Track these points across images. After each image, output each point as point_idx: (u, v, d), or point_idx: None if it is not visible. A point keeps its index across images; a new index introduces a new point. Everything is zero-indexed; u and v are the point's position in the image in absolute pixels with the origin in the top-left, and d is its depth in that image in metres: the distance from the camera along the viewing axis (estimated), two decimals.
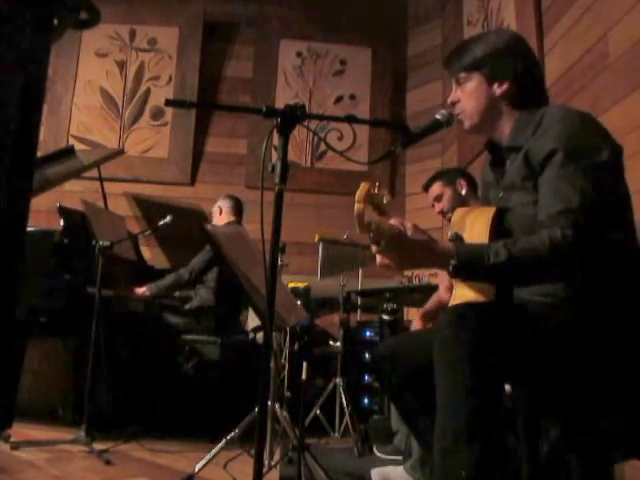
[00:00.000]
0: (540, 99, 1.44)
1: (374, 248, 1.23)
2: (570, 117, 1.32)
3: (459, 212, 1.54)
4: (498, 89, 1.43)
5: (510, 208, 1.39)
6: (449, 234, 1.47)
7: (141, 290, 3.36)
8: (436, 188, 2.66)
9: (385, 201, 1.24)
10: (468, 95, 1.46)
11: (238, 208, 3.63)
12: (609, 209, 1.24)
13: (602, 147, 1.27)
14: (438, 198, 2.65)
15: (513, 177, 1.39)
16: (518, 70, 1.43)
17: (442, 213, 2.64)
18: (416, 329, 2.45)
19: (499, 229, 1.36)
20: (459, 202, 2.57)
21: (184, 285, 3.44)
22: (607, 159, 1.26)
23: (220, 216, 3.57)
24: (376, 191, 1.23)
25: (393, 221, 1.24)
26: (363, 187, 1.21)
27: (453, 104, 1.49)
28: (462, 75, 1.47)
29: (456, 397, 1.11)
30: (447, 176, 2.68)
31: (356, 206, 1.18)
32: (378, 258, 1.26)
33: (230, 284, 3.27)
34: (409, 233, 1.23)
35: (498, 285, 1.29)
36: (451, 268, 1.23)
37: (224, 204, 3.61)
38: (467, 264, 1.23)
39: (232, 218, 3.57)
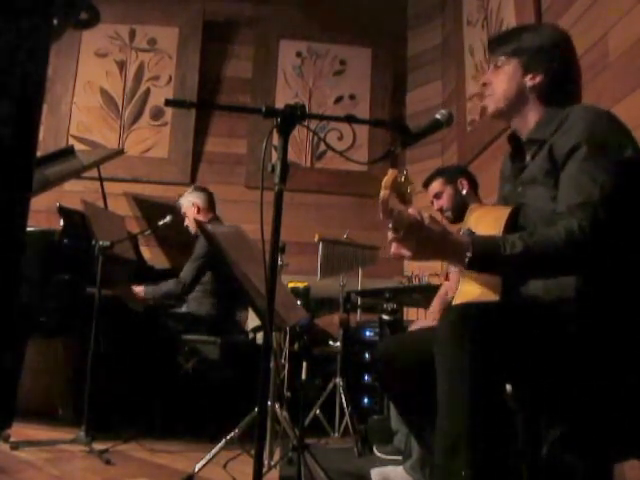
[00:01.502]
0: (569, 100, 1.44)
1: (391, 235, 1.22)
2: (595, 114, 1.33)
3: (470, 210, 1.55)
4: (530, 80, 1.45)
5: (525, 204, 1.39)
6: (461, 231, 1.47)
7: (138, 289, 3.31)
8: (436, 185, 2.65)
9: (409, 190, 1.24)
10: (501, 79, 1.48)
11: (213, 202, 3.51)
12: (628, 206, 1.24)
13: (626, 144, 1.27)
14: (438, 195, 2.65)
15: (534, 172, 1.39)
16: (555, 68, 1.44)
17: (441, 211, 2.64)
18: (416, 328, 2.44)
19: (514, 226, 1.36)
20: (459, 201, 2.57)
21: (177, 297, 3.36)
22: (629, 157, 1.26)
23: (198, 214, 3.44)
24: (402, 179, 1.23)
25: (411, 210, 1.24)
26: (391, 174, 1.21)
27: (484, 85, 1.52)
28: (502, 59, 1.49)
29: (457, 397, 1.11)
30: (448, 174, 2.68)
31: (382, 192, 1.18)
32: (393, 247, 1.25)
33: (226, 285, 3.25)
34: (426, 223, 1.22)
35: (510, 279, 1.28)
36: (467, 260, 1.22)
37: (198, 199, 3.48)
38: (483, 256, 1.22)
39: (211, 214, 3.50)
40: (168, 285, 3.31)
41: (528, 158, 1.46)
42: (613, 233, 1.20)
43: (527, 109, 1.46)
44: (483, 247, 1.22)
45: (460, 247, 1.23)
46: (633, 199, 1.25)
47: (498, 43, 1.53)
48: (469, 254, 1.21)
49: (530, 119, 1.46)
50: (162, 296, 3.32)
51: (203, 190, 3.55)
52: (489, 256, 1.22)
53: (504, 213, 1.39)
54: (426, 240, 1.22)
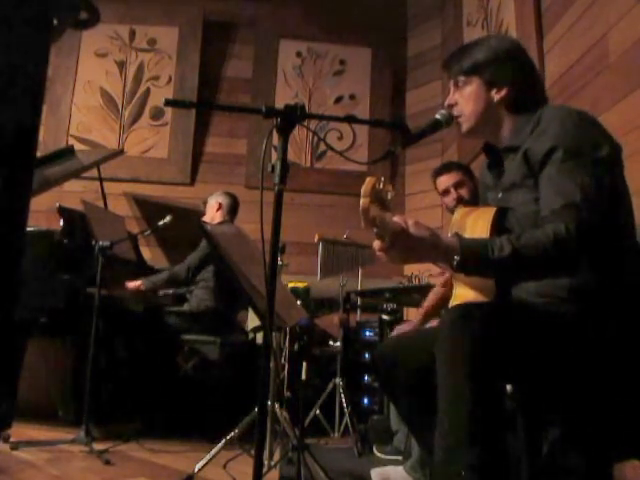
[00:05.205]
0: (538, 104, 1.45)
1: (377, 243, 1.22)
2: (568, 115, 1.33)
3: (460, 212, 1.54)
4: (496, 95, 1.45)
5: (511, 208, 1.39)
6: (449, 234, 1.46)
7: (136, 284, 3.30)
8: (458, 175, 2.54)
9: (389, 197, 1.24)
10: (466, 99, 1.47)
11: (235, 208, 3.63)
12: (610, 205, 1.24)
13: (601, 144, 1.28)
14: (459, 185, 2.51)
15: (513, 176, 1.39)
16: (516, 76, 1.45)
17: (460, 200, 2.48)
18: (406, 329, 2.39)
19: (500, 229, 1.36)
20: (472, 199, 2.50)
21: (180, 282, 3.43)
22: (606, 156, 1.26)
23: (217, 212, 3.55)
24: (381, 186, 1.22)
25: (396, 218, 1.23)
26: (369, 182, 1.20)
27: (450, 106, 1.50)
28: (461, 78, 1.48)
29: (458, 397, 1.11)
30: (467, 169, 2.61)
31: (362, 200, 1.17)
32: (379, 252, 1.25)
33: (228, 282, 3.25)
34: (411, 230, 1.22)
35: (500, 282, 1.28)
36: (455, 263, 1.22)
37: (224, 200, 3.59)
38: (471, 259, 1.22)
39: (227, 217, 3.56)
40: (171, 270, 3.39)
41: (506, 164, 1.46)
42: (598, 233, 1.21)
43: (499, 122, 1.46)
44: (471, 250, 1.22)
45: (449, 250, 1.22)
46: (612, 197, 1.26)
47: (452, 63, 1.52)
48: (457, 257, 1.21)
49: (504, 130, 1.46)
50: (165, 281, 3.38)
51: (231, 196, 3.64)
52: (477, 259, 1.22)
53: (490, 214, 1.40)
54: (413, 246, 1.21)
